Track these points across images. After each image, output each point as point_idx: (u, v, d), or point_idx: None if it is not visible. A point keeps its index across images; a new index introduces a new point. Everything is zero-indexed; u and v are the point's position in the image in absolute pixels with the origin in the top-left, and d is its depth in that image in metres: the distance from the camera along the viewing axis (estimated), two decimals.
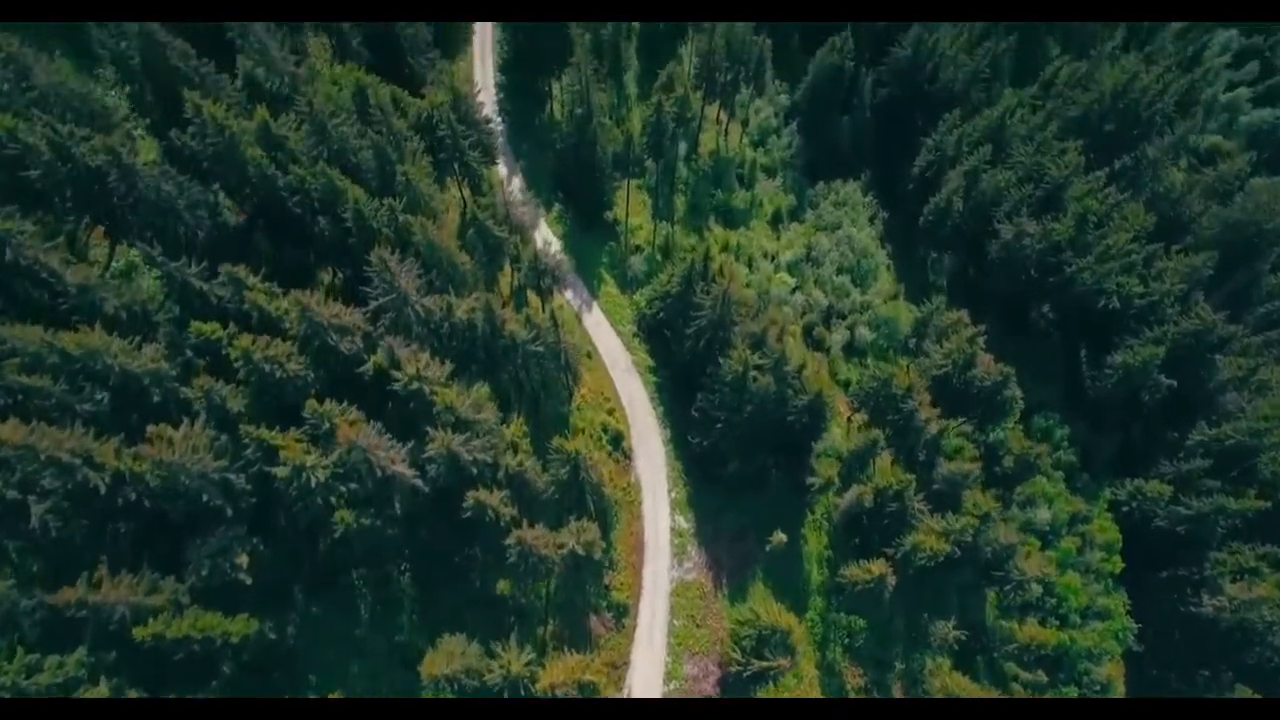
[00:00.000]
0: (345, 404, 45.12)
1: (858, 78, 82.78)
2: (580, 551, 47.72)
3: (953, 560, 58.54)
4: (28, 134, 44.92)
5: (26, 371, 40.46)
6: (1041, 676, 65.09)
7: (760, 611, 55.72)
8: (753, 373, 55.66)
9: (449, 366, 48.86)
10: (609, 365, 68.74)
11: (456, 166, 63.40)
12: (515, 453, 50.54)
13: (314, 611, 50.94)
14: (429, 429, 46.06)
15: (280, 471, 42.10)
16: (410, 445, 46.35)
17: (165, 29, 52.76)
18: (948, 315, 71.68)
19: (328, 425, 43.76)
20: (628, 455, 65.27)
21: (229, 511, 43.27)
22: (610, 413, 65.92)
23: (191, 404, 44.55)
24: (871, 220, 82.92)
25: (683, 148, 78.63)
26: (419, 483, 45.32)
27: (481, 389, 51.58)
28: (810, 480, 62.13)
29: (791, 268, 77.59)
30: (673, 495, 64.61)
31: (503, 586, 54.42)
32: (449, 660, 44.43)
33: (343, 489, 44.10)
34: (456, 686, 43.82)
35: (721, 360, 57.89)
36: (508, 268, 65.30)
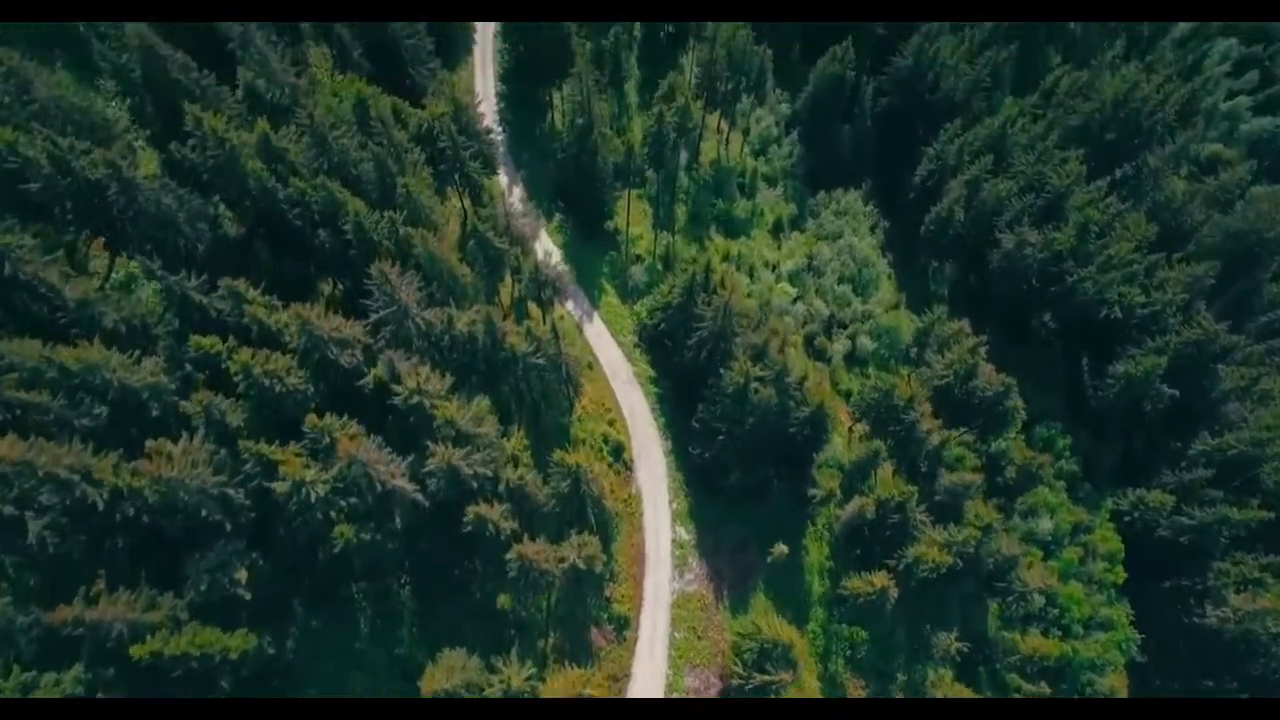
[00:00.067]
0: (345, 418, 44.90)
1: (859, 87, 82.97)
2: (581, 565, 47.55)
3: (955, 571, 58.32)
4: (28, 147, 44.74)
5: (25, 386, 40.11)
6: (1044, 688, 64.74)
7: (762, 625, 55.26)
8: (754, 384, 55.54)
9: (449, 379, 48.66)
10: (610, 376, 68.55)
11: (457, 177, 63.30)
12: (516, 466, 50.42)
13: (314, 625, 50.50)
14: (429, 443, 45.89)
15: (280, 486, 41.83)
16: (410, 459, 46.17)
17: (165, 41, 52.62)
18: (949, 325, 71.73)
19: (328, 440, 43.59)
20: (629, 466, 65.05)
21: (228, 526, 42.93)
22: (611, 424, 65.69)
23: (191, 418, 44.19)
24: (873, 229, 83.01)
25: (684, 157, 78.55)
26: (419, 497, 45.08)
27: (482, 402, 51.54)
28: (812, 492, 62.10)
29: (793, 277, 77.59)
30: (674, 507, 64.35)
31: (503, 600, 54.00)
32: (449, 674, 44.14)
33: (343, 504, 43.77)
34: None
35: (723, 371, 57.76)
36: (508, 279, 65.20)
